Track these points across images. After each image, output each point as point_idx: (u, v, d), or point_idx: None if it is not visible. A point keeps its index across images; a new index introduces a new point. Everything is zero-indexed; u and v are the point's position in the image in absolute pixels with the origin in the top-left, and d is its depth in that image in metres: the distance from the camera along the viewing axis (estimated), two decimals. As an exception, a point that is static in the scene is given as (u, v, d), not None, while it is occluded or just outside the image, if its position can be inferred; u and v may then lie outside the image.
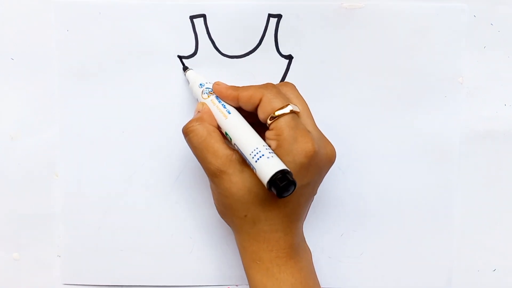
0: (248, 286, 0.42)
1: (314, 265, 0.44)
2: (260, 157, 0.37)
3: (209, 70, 0.46)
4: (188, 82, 0.46)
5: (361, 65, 0.47)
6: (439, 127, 0.48)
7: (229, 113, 0.41)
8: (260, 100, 0.40)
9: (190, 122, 0.41)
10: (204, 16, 0.46)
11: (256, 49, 0.46)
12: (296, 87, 0.42)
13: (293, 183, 0.36)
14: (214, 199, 0.42)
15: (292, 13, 0.46)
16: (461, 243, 0.49)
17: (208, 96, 0.43)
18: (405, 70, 0.47)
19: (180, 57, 0.46)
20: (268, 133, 0.39)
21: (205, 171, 0.41)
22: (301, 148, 0.38)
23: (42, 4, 0.46)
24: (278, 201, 0.39)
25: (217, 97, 0.42)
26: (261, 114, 0.40)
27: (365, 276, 0.49)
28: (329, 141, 0.41)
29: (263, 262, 0.40)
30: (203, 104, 0.42)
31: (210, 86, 0.43)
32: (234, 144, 0.40)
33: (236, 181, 0.39)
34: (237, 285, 0.49)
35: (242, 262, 0.42)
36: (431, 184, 0.48)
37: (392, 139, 0.48)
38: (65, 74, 0.47)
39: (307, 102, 0.42)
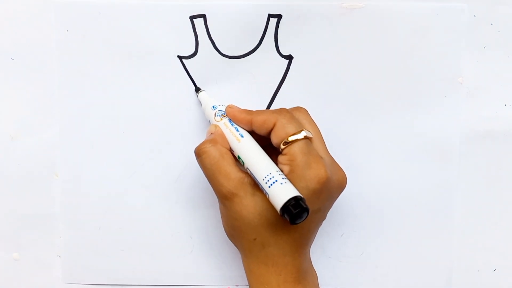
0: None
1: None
2: (274, 182, 0.38)
3: (209, 70, 0.46)
4: (200, 103, 0.46)
5: (361, 65, 0.47)
6: (439, 127, 0.48)
7: (242, 136, 0.41)
8: (274, 125, 0.40)
9: (203, 143, 0.41)
10: (204, 16, 0.46)
11: (256, 49, 0.46)
12: (309, 112, 0.43)
13: (306, 210, 0.36)
14: (222, 221, 0.42)
15: (292, 13, 0.46)
16: (461, 243, 0.49)
17: (221, 119, 0.43)
18: (405, 70, 0.47)
19: (180, 57, 0.46)
20: (281, 158, 0.40)
21: (216, 193, 0.41)
22: (314, 174, 0.38)
23: (42, 4, 0.46)
24: (288, 226, 0.39)
25: (229, 120, 0.42)
26: (275, 139, 0.40)
27: (365, 276, 0.49)
28: (340, 167, 0.42)
29: (271, 286, 0.40)
30: (216, 126, 0.43)
31: (223, 108, 0.43)
32: (247, 168, 0.40)
33: (247, 204, 0.39)
34: (237, 285, 0.49)
35: (249, 284, 0.42)
36: (431, 184, 0.48)
37: (392, 139, 0.48)
38: (65, 74, 0.47)
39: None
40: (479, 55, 0.47)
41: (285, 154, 0.39)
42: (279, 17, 0.46)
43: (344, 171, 0.42)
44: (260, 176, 0.39)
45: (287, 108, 0.42)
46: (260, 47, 0.46)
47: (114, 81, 0.47)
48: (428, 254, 0.49)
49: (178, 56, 0.46)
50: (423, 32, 0.46)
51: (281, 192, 0.37)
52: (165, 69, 0.46)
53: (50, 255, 0.49)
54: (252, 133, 0.42)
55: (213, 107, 0.44)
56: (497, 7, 0.47)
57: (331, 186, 0.40)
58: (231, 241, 0.43)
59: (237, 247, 0.43)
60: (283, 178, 0.38)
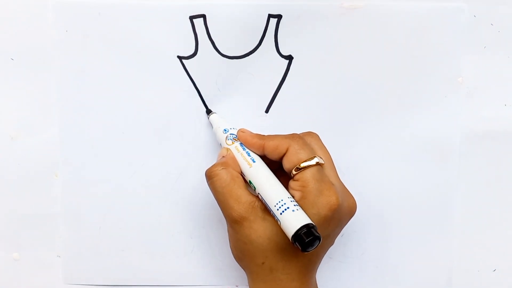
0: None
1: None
2: (285, 209, 0.38)
3: (209, 70, 0.46)
4: (211, 125, 0.46)
5: (361, 65, 0.47)
6: (439, 127, 0.48)
7: (254, 161, 0.41)
8: (287, 151, 0.40)
9: (214, 166, 0.41)
10: (204, 16, 0.46)
11: (256, 49, 0.46)
12: (320, 137, 0.43)
13: (318, 238, 0.36)
14: (230, 244, 0.42)
15: (292, 13, 0.46)
16: (461, 243, 0.49)
17: (233, 143, 0.43)
18: (404, 70, 0.47)
19: (180, 58, 0.46)
20: (292, 184, 0.40)
21: (226, 217, 0.41)
22: (326, 201, 0.38)
23: (42, 4, 0.46)
24: (297, 251, 0.39)
25: (241, 144, 0.42)
26: (287, 164, 0.40)
27: (366, 276, 0.49)
28: (351, 194, 0.42)
29: None
30: (228, 149, 0.43)
31: (235, 132, 0.43)
32: (258, 193, 0.40)
33: (257, 228, 0.39)
34: (237, 286, 0.49)
35: None
36: (431, 184, 0.48)
37: (392, 139, 0.48)
38: (65, 74, 0.46)
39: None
40: (479, 55, 0.47)
41: (297, 180, 0.39)
42: (279, 17, 0.46)
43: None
44: (271, 203, 0.38)
45: (298, 132, 0.42)
46: (260, 47, 0.46)
47: (114, 81, 0.47)
48: (428, 254, 0.49)
49: (178, 56, 0.46)
50: (423, 32, 0.46)
51: (293, 219, 0.37)
52: (165, 69, 0.46)
53: (50, 255, 0.49)
54: (262, 156, 0.42)
55: (225, 130, 0.44)
56: (497, 7, 0.46)
57: (342, 213, 0.40)
58: (239, 264, 0.42)
59: (244, 271, 0.42)
60: (295, 205, 0.38)
